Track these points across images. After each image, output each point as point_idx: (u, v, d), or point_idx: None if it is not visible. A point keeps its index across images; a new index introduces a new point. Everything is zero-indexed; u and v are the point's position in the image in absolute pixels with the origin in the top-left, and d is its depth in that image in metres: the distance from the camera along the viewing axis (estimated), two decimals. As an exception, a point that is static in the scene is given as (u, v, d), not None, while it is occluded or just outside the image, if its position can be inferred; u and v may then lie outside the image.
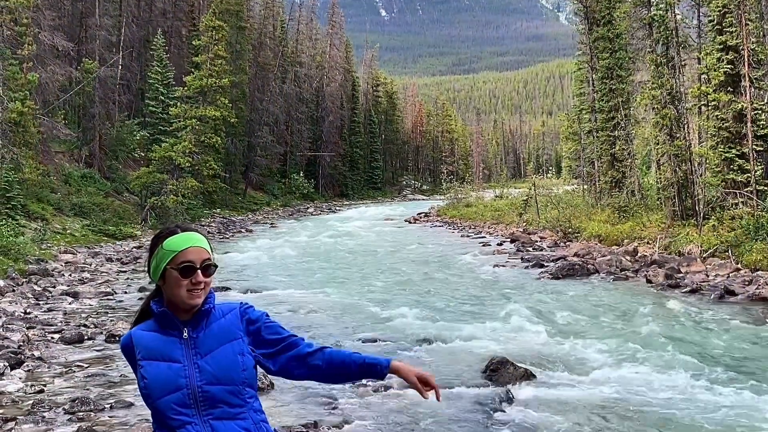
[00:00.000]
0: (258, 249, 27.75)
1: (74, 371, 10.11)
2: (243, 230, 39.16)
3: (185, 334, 2.68)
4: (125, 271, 21.45)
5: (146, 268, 2.80)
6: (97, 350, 11.37)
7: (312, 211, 61.51)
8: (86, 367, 10.29)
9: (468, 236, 34.88)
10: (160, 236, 2.76)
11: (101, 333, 12.43)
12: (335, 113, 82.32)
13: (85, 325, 13.04)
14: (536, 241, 29.28)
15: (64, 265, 21.49)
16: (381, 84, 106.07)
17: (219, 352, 2.66)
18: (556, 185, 56.92)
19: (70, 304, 15.58)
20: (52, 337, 12.02)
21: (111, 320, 13.65)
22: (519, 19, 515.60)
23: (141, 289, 17.53)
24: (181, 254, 2.67)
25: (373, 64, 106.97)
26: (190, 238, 2.72)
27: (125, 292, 17.46)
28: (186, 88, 40.19)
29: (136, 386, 9.03)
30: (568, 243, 27.45)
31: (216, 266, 2.76)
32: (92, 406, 8.34)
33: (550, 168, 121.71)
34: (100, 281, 19.04)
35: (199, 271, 2.67)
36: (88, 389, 9.19)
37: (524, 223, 35.83)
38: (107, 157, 40.21)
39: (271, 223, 45.71)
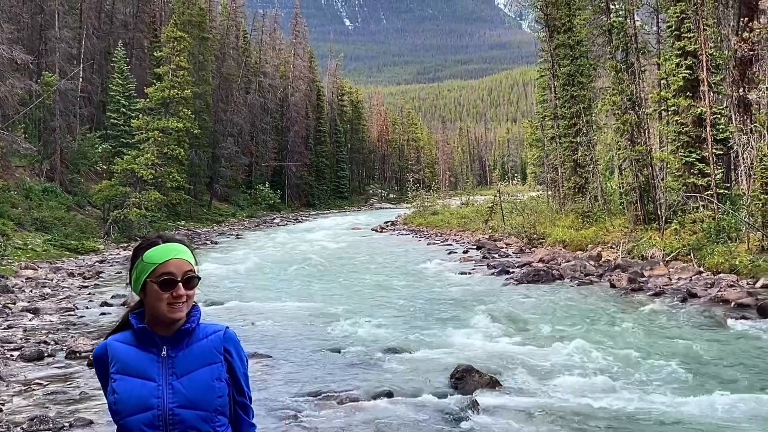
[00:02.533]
0: (223, 261, 27.52)
1: (33, 389, 9.90)
2: (208, 242, 38.76)
3: (164, 352, 2.58)
4: (87, 286, 21.09)
5: (128, 280, 2.70)
6: (58, 368, 11.15)
7: (278, 221, 61.25)
8: (46, 385, 10.08)
9: (434, 244, 34.93)
10: (141, 247, 2.66)
11: (62, 350, 12.20)
12: (300, 123, 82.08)
13: (45, 342, 12.78)
14: (502, 248, 29.46)
15: (24, 280, 21.14)
16: (346, 93, 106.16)
17: (196, 375, 2.56)
18: (522, 192, 57.38)
19: (30, 320, 15.29)
20: (11, 355, 11.77)
21: (72, 336, 13.40)
22: (482, 28, 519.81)
23: (103, 304, 17.29)
24: (161, 267, 2.57)
25: (338, 73, 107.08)
26: (171, 249, 2.62)
27: (87, 308, 17.15)
28: (148, 99, 39.95)
29: (97, 404, 8.90)
30: (533, 249, 27.62)
31: (199, 278, 2.66)
32: (51, 425, 8.17)
33: (516, 174, 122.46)
34: (61, 297, 18.73)
35: (180, 284, 2.57)
36: (47, 407, 9.00)
37: (490, 230, 36.01)
38: (69, 171, 39.71)
39: (237, 235, 45.39)
